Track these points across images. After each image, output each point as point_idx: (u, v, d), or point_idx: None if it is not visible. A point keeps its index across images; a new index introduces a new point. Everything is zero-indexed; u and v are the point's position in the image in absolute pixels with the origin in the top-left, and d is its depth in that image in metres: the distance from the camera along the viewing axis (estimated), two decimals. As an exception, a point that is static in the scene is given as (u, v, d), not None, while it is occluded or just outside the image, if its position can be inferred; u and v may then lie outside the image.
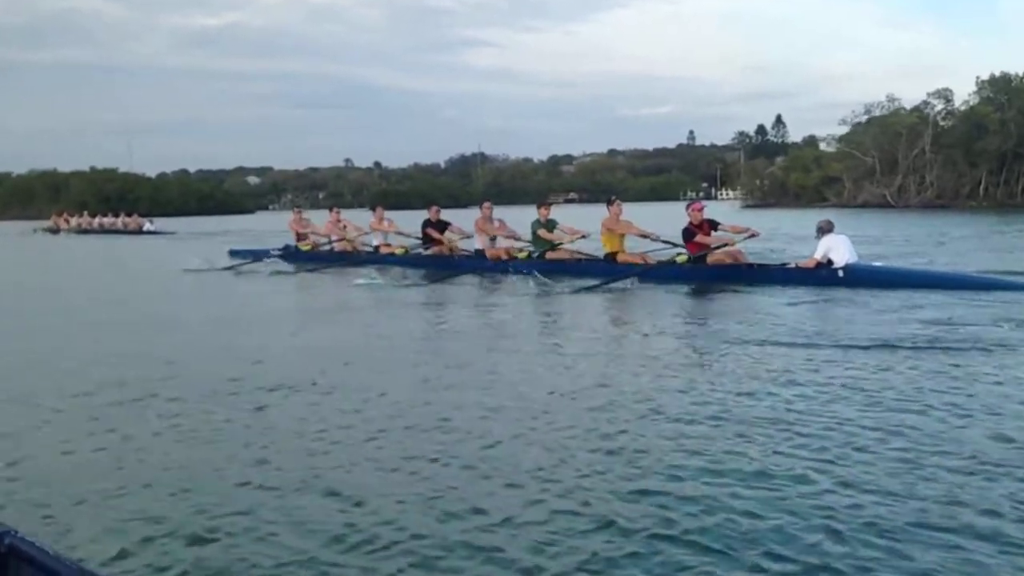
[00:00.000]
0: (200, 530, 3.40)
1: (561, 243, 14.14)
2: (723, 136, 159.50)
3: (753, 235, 12.35)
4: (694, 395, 5.34)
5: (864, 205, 55.01)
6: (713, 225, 12.49)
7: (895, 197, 55.43)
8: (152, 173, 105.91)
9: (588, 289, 11.62)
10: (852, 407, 4.92)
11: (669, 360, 6.55)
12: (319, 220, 19.88)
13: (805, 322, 8.28)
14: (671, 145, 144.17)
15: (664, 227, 13.63)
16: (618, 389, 5.58)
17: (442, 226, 16.30)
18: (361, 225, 18.46)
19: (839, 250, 11.16)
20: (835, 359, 6.35)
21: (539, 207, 14.70)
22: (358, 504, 3.63)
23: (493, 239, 15.35)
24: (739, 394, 5.32)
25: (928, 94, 56.85)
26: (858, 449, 4.14)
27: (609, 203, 13.82)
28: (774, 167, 75.71)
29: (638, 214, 14.65)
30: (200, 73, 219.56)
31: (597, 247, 14.00)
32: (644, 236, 13.46)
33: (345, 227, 18.17)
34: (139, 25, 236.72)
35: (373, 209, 17.95)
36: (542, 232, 14.26)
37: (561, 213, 16.49)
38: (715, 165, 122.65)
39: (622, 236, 13.46)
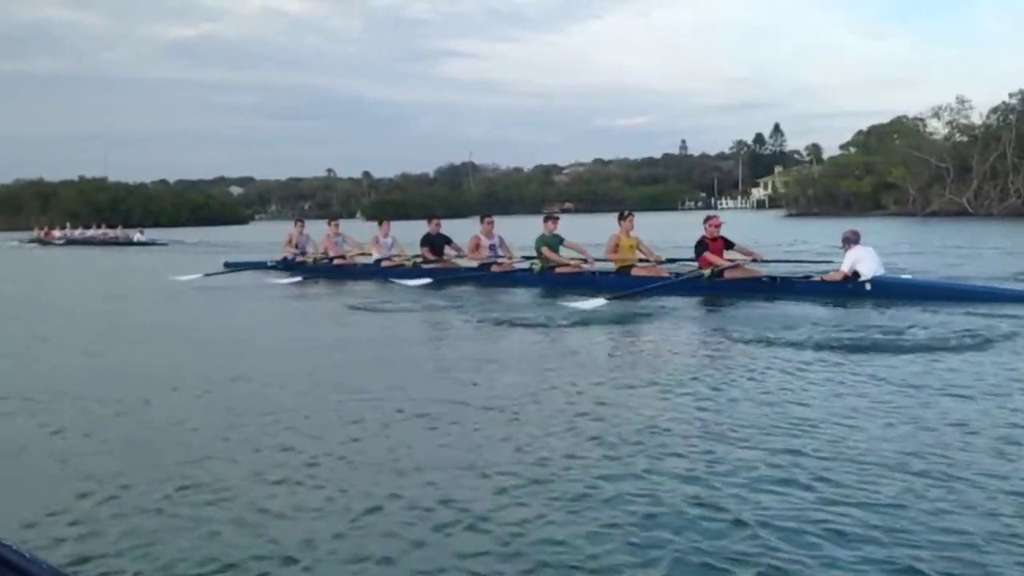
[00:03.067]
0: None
1: (565, 264, 13.54)
2: (702, 146, 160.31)
3: (756, 259, 12.15)
4: (727, 415, 5.13)
5: (936, 213, 50.86)
6: (727, 244, 12.04)
7: (973, 205, 50.98)
8: (130, 183, 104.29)
9: (605, 301, 10.98)
10: (881, 425, 4.76)
11: (687, 377, 6.25)
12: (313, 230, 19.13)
13: (831, 337, 7.78)
14: (656, 155, 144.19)
15: (677, 236, 13.28)
16: (640, 407, 5.41)
17: (442, 241, 15.70)
18: (359, 240, 17.80)
19: (866, 262, 10.67)
20: (864, 374, 6.08)
21: (545, 220, 14.11)
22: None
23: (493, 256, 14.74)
24: (768, 410, 5.18)
25: (1010, 94, 52.27)
26: (893, 469, 3.96)
27: (622, 217, 13.19)
28: (809, 172, 70.53)
29: (641, 224, 14.00)
30: (176, 83, 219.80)
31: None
32: (650, 261, 12.88)
33: (345, 240, 17.48)
34: (114, 35, 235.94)
35: (380, 223, 17.24)
36: (546, 251, 13.59)
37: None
38: (710, 174, 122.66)
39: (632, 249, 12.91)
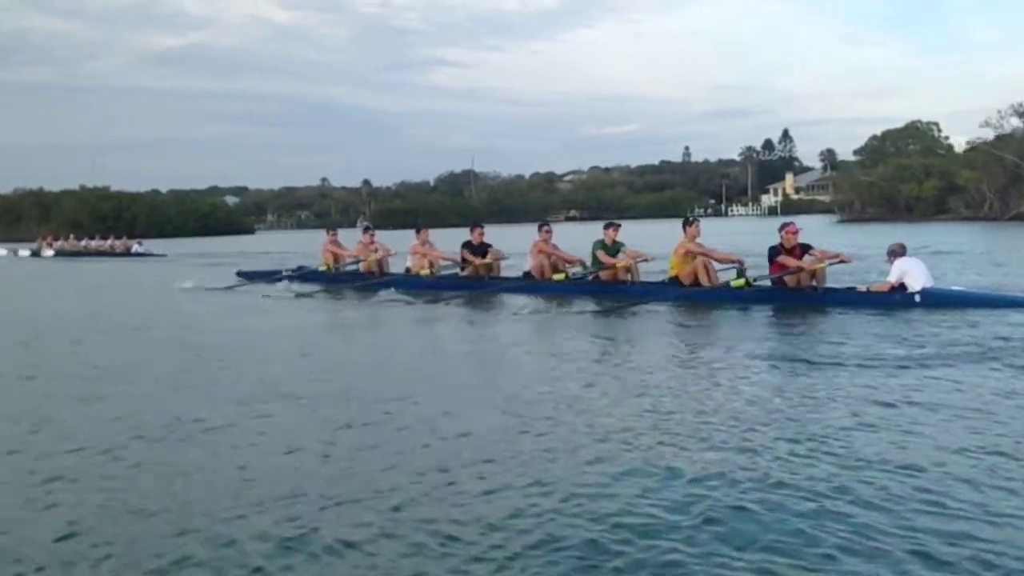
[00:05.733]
0: None
1: (617, 265, 12.99)
2: (700, 153, 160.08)
3: (843, 261, 11.50)
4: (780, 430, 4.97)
5: (1018, 217, 48.71)
6: (805, 248, 11.46)
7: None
8: (134, 192, 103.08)
9: (645, 309, 11.12)
10: (933, 441, 4.61)
11: (729, 389, 6.12)
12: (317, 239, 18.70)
13: (881, 349, 7.53)
14: (653, 162, 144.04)
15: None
16: (692, 418, 5.33)
17: (482, 249, 15.09)
18: (389, 246, 17.17)
19: (914, 274, 10.44)
20: (921, 387, 5.92)
21: (605, 228, 13.48)
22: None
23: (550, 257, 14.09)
24: (817, 424, 5.09)
25: None
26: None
27: (687, 223, 12.52)
28: (864, 177, 66.57)
29: (651, 232, 13.71)
30: (165, 92, 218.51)
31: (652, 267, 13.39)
32: (726, 261, 12.28)
33: (377, 249, 16.90)
34: (100, 44, 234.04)
35: (417, 231, 16.57)
36: (600, 254, 13.14)
37: (562, 231, 15.58)
38: (717, 181, 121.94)
39: (695, 259, 12.20)
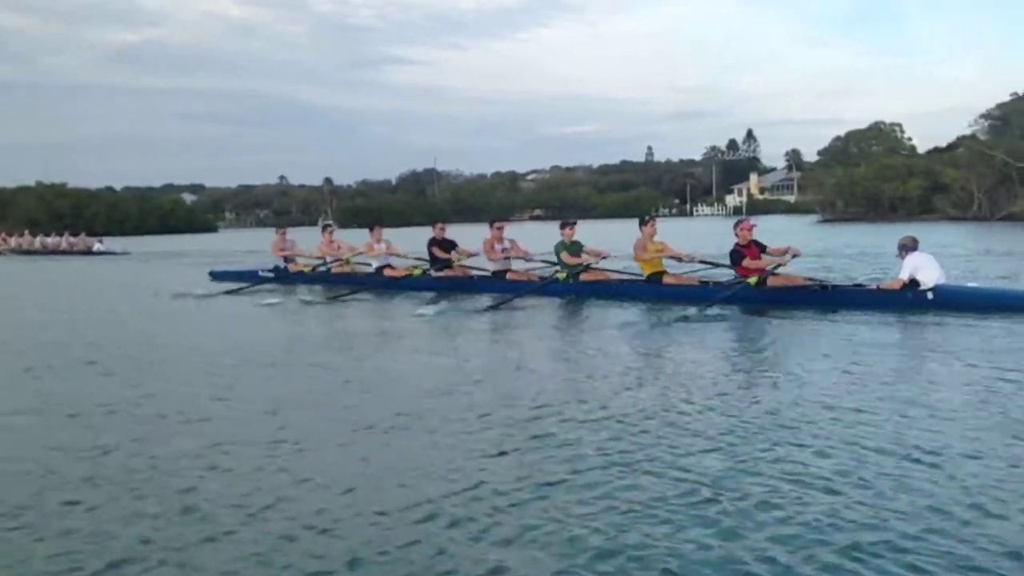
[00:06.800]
0: None
1: (590, 264, 13.02)
2: (662, 153, 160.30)
3: (796, 255, 11.33)
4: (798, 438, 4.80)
5: (1012, 217, 47.27)
6: (760, 248, 11.52)
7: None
8: (92, 189, 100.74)
9: (637, 311, 10.75)
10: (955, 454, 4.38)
11: (737, 400, 5.78)
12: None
13: (894, 351, 7.45)
14: (612, 161, 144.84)
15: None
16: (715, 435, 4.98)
17: (448, 245, 15.11)
18: (355, 245, 17.16)
19: (927, 269, 10.10)
20: (936, 391, 5.80)
21: (562, 228, 13.59)
22: None
23: (507, 260, 14.28)
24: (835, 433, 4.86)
25: None
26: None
27: (643, 222, 12.70)
28: (848, 175, 64.89)
29: (616, 231, 13.59)
30: (121, 89, 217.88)
31: (629, 265, 13.09)
32: (682, 260, 12.47)
33: (340, 248, 16.91)
34: (57, 40, 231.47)
35: (371, 229, 16.64)
36: (566, 256, 13.14)
37: (526, 230, 15.52)
38: (680, 181, 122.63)
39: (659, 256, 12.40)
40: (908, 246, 10.42)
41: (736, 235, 11.55)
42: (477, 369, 7.33)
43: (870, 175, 61.78)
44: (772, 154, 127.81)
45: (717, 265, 12.22)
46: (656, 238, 12.64)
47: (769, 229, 39.87)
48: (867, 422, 5.02)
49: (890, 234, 10.60)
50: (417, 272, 14.96)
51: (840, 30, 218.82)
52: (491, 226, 14.67)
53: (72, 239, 41.43)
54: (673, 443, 4.74)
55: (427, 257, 15.10)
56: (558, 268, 13.16)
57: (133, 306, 14.21)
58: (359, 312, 12.53)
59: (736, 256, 11.35)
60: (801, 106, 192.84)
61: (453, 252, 14.86)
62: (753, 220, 11.95)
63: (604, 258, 13.18)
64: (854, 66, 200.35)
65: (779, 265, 11.11)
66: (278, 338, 9.95)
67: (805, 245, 25.50)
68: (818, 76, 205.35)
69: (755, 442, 4.71)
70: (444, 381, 6.70)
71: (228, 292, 15.40)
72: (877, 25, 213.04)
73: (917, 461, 4.27)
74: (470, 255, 14.85)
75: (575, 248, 13.24)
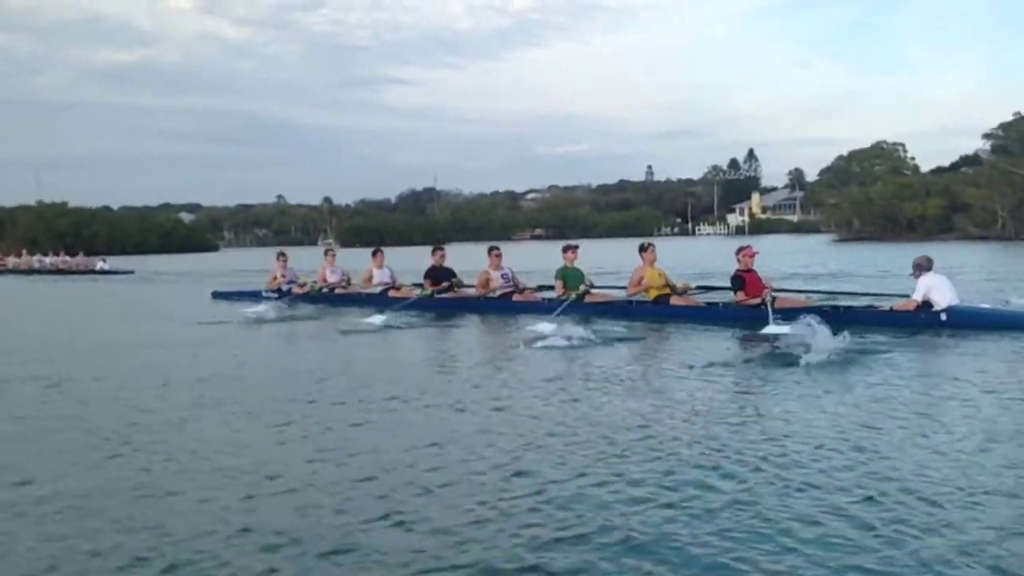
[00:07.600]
0: None
1: (589, 289, 12.86)
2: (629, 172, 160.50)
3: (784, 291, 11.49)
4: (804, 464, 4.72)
5: None
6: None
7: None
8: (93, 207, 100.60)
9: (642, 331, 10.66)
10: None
11: (742, 423, 5.67)
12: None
13: (909, 375, 7.29)
14: (610, 181, 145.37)
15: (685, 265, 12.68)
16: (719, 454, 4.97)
17: (444, 275, 14.52)
18: (357, 270, 16.98)
19: (940, 290, 9.99)
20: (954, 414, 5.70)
21: (564, 251, 13.45)
22: None
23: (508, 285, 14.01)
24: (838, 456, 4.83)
25: None
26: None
27: (642, 249, 12.54)
28: (864, 194, 64.09)
29: (619, 250, 13.42)
30: (113, 108, 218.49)
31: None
32: (682, 292, 12.36)
33: (341, 278, 16.60)
34: (44, 59, 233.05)
35: (373, 254, 16.56)
36: (558, 284, 13.04)
37: (527, 249, 15.32)
38: (682, 200, 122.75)
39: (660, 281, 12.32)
40: (923, 266, 10.28)
41: (738, 261, 11.52)
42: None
43: (887, 194, 60.86)
44: (768, 173, 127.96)
45: (715, 288, 12.22)
46: (657, 264, 12.56)
47: (779, 249, 39.93)
48: (880, 451, 4.92)
49: (915, 253, 10.30)
50: (425, 293, 14.32)
51: (829, 50, 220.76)
52: (489, 253, 14.32)
53: (68, 259, 41.25)
54: (672, 465, 4.74)
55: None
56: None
57: (183, 334, 12.26)
58: (368, 336, 11.58)
59: (737, 282, 11.31)
60: (793, 126, 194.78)
61: (445, 284, 14.34)
62: (756, 247, 11.87)
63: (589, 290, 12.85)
64: (845, 86, 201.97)
65: (775, 298, 10.82)
66: (375, 376, 8.27)
67: (827, 266, 25.46)
68: (809, 96, 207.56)
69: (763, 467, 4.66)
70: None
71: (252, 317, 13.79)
72: (867, 45, 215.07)
73: (928, 483, 4.27)
74: (465, 287, 14.50)
75: (575, 277, 13.03)
